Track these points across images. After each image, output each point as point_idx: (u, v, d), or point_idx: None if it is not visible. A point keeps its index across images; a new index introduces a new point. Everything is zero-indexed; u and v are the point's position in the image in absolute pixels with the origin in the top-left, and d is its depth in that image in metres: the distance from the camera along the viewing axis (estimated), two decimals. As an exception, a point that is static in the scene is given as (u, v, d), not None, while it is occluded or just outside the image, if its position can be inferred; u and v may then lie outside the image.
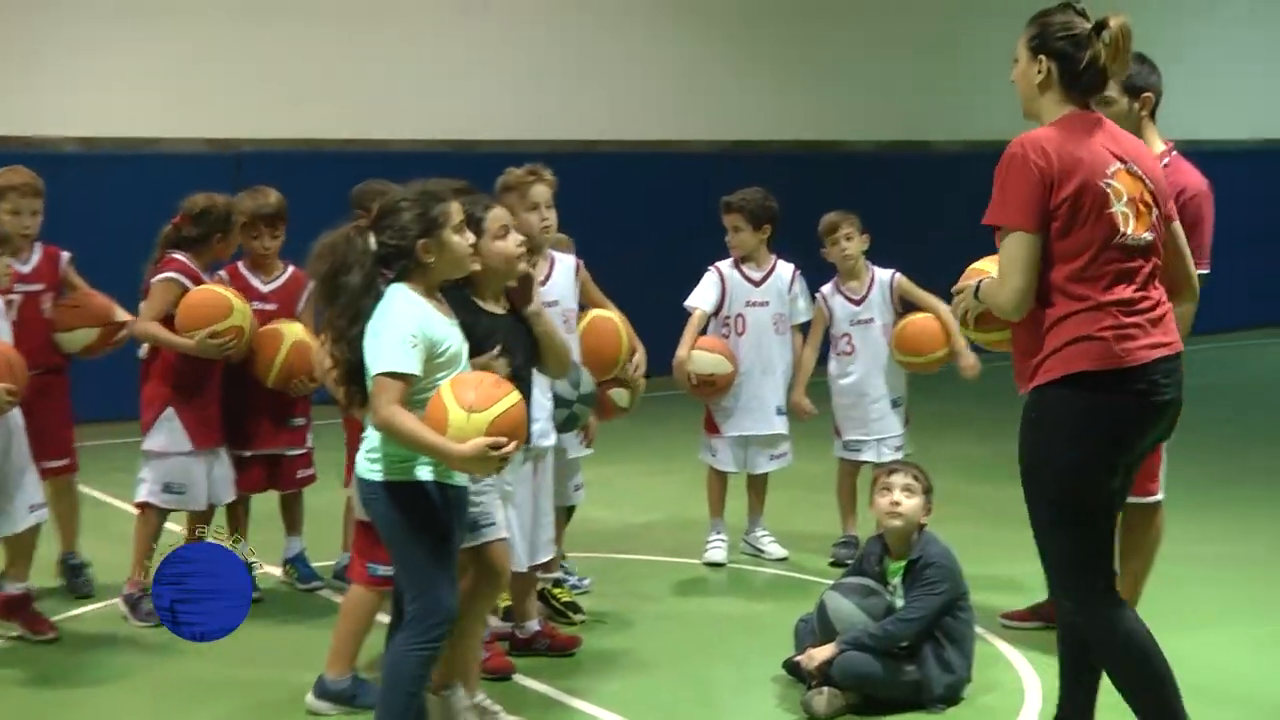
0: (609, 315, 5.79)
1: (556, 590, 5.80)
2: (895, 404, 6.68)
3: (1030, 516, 4.05)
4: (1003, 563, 6.42)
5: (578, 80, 11.86)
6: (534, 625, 5.39)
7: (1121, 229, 3.85)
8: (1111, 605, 3.97)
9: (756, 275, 6.63)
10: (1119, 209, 3.86)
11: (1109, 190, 3.86)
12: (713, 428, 6.67)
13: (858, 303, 6.66)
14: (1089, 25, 3.97)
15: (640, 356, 5.88)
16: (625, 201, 11.63)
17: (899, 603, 4.91)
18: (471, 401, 3.86)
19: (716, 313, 6.59)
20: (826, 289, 6.72)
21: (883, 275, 6.67)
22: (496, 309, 4.54)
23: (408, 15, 11.49)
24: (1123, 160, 3.92)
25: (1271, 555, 6.86)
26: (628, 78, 12.00)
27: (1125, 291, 3.86)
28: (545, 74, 11.78)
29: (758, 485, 6.77)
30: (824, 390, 6.75)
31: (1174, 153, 5.22)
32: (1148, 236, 3.91)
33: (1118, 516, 4.03)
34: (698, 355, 6.43)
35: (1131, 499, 4.49)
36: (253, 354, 5.82)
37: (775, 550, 6.73)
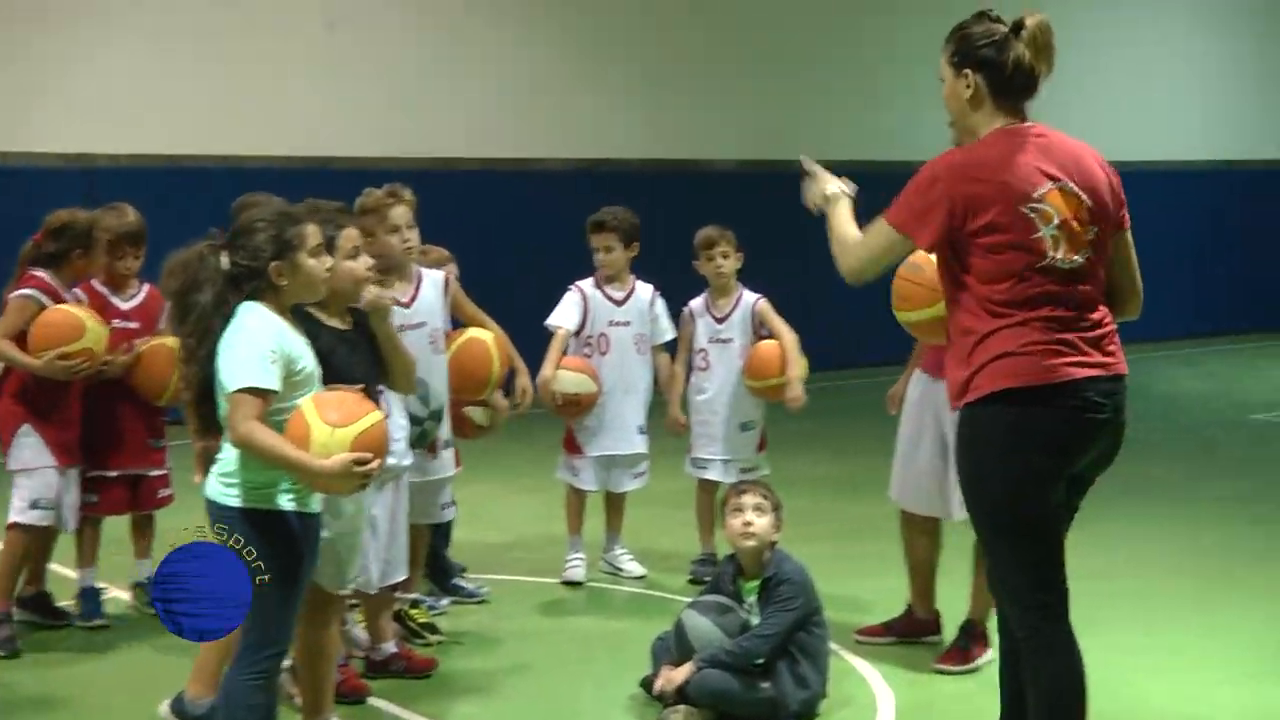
0: (481, 337, 5.74)
1: (413, 611, 5.75)
2: (745, 427, 6.68)
3: (977, 536, 4.02)
4: (857, 579, 6.51)
5: (434, 98, 11.81)
6: (390, 647, 5.34)
7: (1050, 253, 3.73)
8: (1052, 627, 3.83)
9: (619, 295, 6.66)
10: (1047, 233, 3.73)
11: (1034, 215, 3.73)
12: (574, 447, 6.67)
13: (720, 321, 6.70)
14: (1006, 28, 3.85)
15: (525, 380, 5.90)
16: (483, 219, 11.60)
17: (755, 620, 4.95)
18: (335, 419, 3.82)
19: (578, 332, 6.60)
20: (695, 304, 6.76)
21: (749, 298, 6.71)
22: (339, 324, 4.51)
23: (264, 32, 11.36)
24: (1056, 179, 3.77)
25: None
26: (485, 95, 11.97)
27: (1055, 311, 3.75)
28: (402, 92, 11.72)
29: (617, 504, 6.78)
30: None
31: None
32: (1078, 259, 3.76)
33: (1062, 534, 3.88)
34: (563, 375, 6.43)
35: None
36: (139, 371, 5.74)
37: (634, 568, 6.74)
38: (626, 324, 6.62)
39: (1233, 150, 15.27)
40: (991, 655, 5.30)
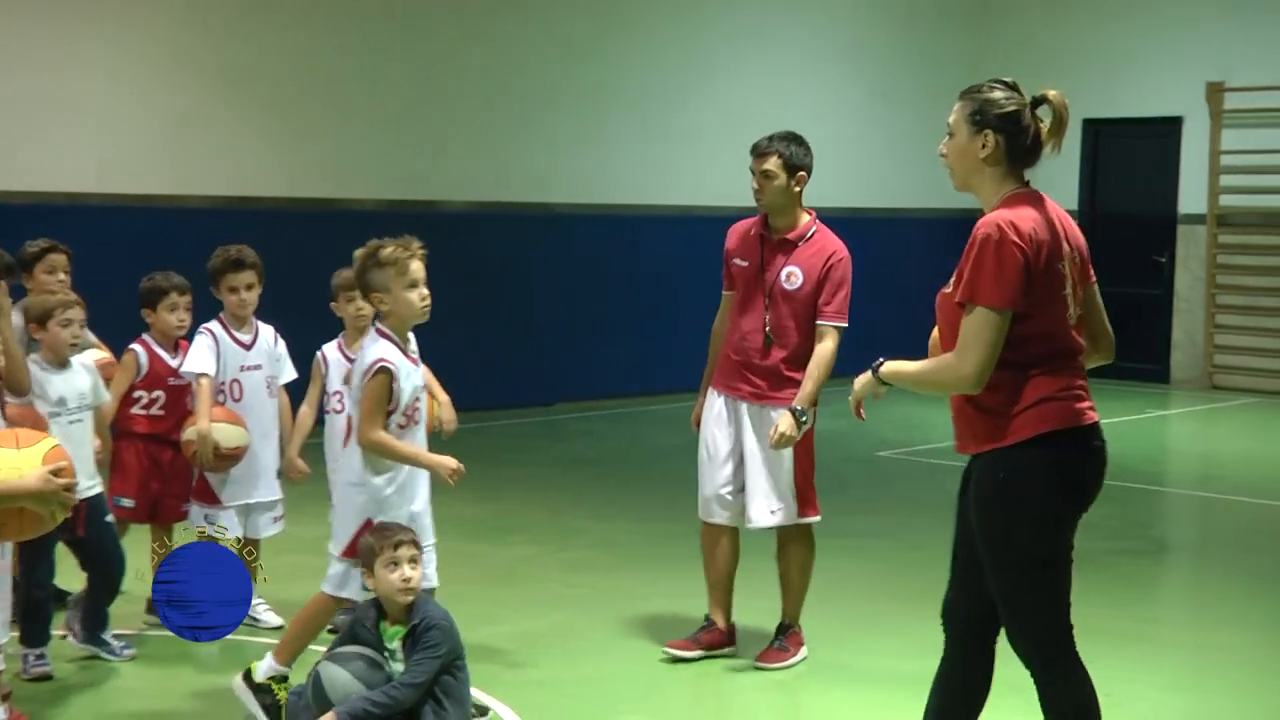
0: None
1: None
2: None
3: (998, 576, 4.04)
4: (499, 623, 6.47)
5: (66, 130, 11.22)
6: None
7: (1071, 308, 4.05)
8: (1076, 668, 4.06)
9: (246, 338, 6.45)
10: (1069, 290, 4.05)
11: (1065, 273, 4.03)
12: (211, 497, 6.42)
13: (354, 363, 6.55)
14: (1026, 99, 4.09)
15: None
16: (113, 257, 11.06)
17: (397, 668, 4.83)
18: (16, 438, 3.90)
19: (211, 379, 6.37)
20: (329, 348, 6.58)
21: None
22: None
23: None
24: (1067, 241, 4.07)
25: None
26: (121, 129, 11.46)
27: (1072, 360, 4.06)
28: (31, 123, 11.08)
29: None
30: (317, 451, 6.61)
31: (818, 221, 6.04)
32: (1077, 313, 4.09)
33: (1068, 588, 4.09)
34: (221, 428, 6.19)
35: (799, 520, 5.88)
36: None
37: (271, 619, 6.51)
38: (258, 367, 6.44)
39: (863, 199, 16.03)
40: (805, 654, 6.06)
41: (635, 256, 14.05)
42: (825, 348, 5.93)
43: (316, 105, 12.20)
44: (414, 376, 5.15)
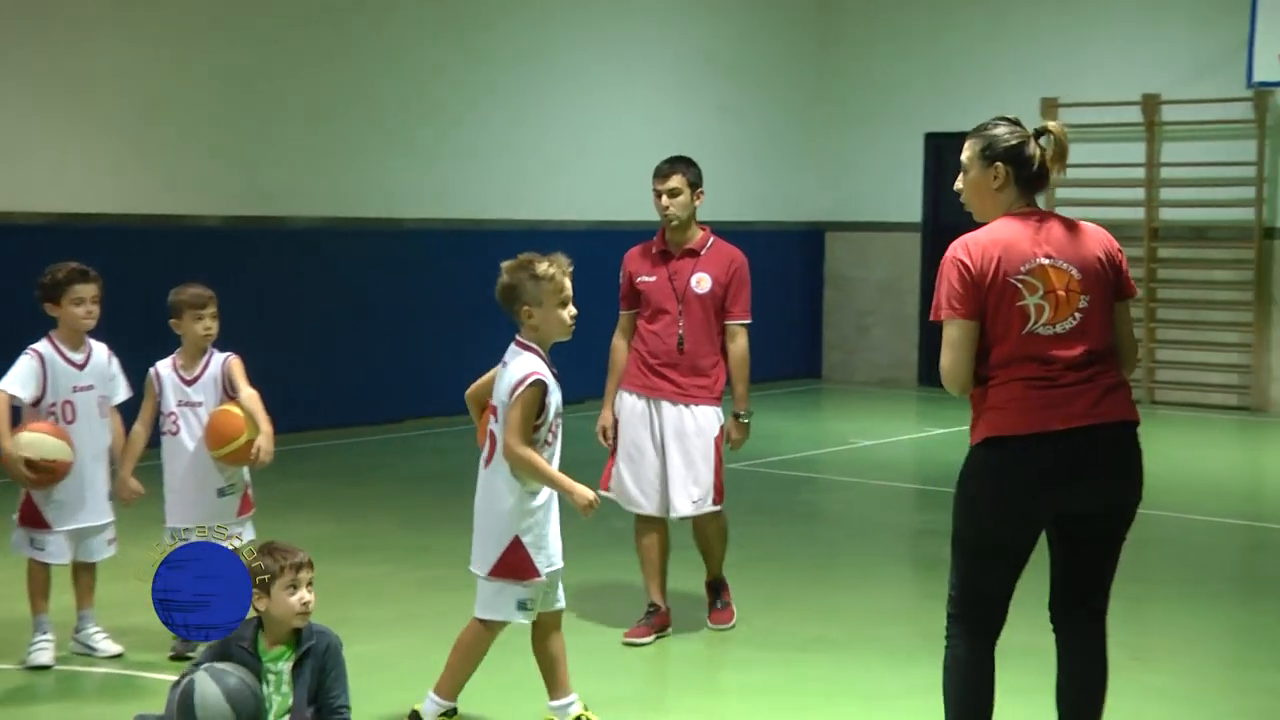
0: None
1: None
2: (223, 492, 6.35)
3: (955, 545, 4.60)
4: (359, 641, 6.33)
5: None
6: None
7: (1032, 319, 4.38)
8: (958, 643, 4.61)
9: (79, 358, 6.24)
10: (1031, 301, 4.38)
11: (1021, 285, 4.38)
12: (39, 521, 6.17)
13: (190, 383, 6.37)
14: (1029, 131, 4.55)
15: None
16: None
17: (274, 691, 4.62)
18: None
19: (38, 401, 6.14)
20: (162, 365, 6.39)
21: (219, 357, 6.42)
22: None
23: None
24: (1049, 255, 4.42)
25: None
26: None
27: (1036, 370, 4.39)
28: None
29: (87, 578, 6.33)
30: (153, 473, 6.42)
31: (713, 235, 6.88)
32: (1068, 324, 4.40)
33: (1019, 568, 4.53)
34: (35, 438, 5.96)
35: (714, 507, 6.69)
36: None
37: (109, 647, 6.28)
38: (90, 387, 6.24)
39: (706, 212, 16.11)
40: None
41: (483, 272, 13.86)
42: (740, 346, 6.72)
43: (153, 119, 11.88)
44: (558, 392, 5.18)
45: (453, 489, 9.12)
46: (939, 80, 16.43)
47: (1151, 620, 7.34)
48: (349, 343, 12.89)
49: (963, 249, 4.44)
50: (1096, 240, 4.55)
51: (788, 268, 16.97)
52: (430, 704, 5.25)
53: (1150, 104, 15.05)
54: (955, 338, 4.41)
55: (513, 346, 5.19)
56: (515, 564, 5.13)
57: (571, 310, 5.19)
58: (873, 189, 16.97)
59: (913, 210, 16.74)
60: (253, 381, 6.40)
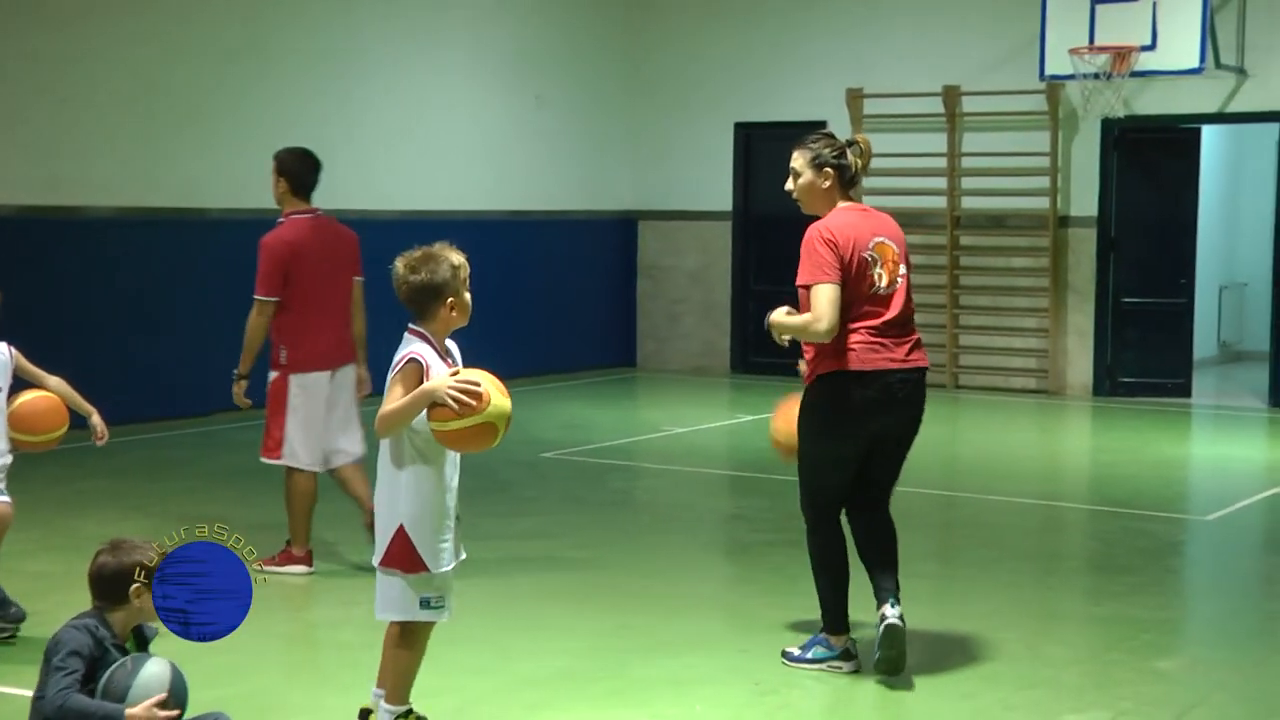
0: None
1: None
2: None
3: (801, 462, 6.03)
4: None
5: None
6: None
7: (875, 283, 5.81)
8: (819, 528, 6.05)
9: None
10: (876, 270, 5.81)
11: (869, 257, 5.80)
12: None
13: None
14: (844, 142, 5.96)
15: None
16: None
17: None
18: None
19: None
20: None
21: (1, 348, 6.22)
22: None
23: None
24: (879, 235, 5.86)
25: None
26: None
27: (873, 321, 5.79)
28: None
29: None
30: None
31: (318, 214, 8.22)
32: (894, 287, 5.85)
33: (850, 474, 5.94)
34: None
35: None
36: None
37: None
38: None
39: (520, 201, 16.10)
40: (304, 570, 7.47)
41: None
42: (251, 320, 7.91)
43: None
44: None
45: (263, 483, 8.96)
46: (748, 70, 16.63)
47: (951, 598, 7.53)
48: (151, 334, 12.57)
49: (827, 231, 5.76)
50: (895, 226, 6.02)
51: (601, 257, 17.04)
52: (384, 715, 5.00)
53: (951, 95, 15.44)
54: (832, 296, 5.67)
55: (406, 335, 4.99)
56: (400, 554, 4.90)
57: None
58: (684, 178, 17.12)
59: (723, 199, 16.93)
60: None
